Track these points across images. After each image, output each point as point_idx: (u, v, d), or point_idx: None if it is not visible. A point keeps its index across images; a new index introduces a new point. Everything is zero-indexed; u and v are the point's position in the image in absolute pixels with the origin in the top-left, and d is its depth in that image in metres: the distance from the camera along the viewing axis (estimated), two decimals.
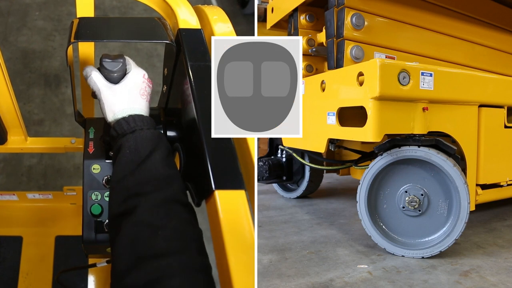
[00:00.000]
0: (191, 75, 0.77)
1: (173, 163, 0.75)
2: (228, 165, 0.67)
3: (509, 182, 1.93)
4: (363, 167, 1.86)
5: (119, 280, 0.59)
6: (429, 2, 2.07)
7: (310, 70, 2.21)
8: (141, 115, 0.79)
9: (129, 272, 0.59)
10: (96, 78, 0.82)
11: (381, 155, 1.60)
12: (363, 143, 2.22)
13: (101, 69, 0.84)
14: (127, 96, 0.80)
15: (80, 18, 0.90)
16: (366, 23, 1.85)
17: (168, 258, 0.59)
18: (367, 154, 2.10)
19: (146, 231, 0.63)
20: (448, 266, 1.52)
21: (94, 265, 1.05)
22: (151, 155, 0.72)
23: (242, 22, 3.88)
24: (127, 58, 0.87)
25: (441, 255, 1.60)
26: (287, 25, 2.37)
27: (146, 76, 0.85)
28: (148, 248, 0.61)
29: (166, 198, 0.67)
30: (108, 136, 0.80)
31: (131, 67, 0.84)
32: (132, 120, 0.77)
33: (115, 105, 0.79)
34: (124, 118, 0.77)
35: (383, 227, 1.67)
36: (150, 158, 0.71)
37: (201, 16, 0.92)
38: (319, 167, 2.32)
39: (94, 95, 0.84)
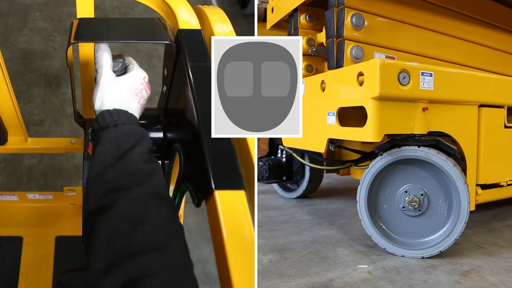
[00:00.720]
0: (191, 76, 0.77)
1: (155, 159, 0.73)
2: (228, 165, 0.67)
3: (509, 182, 1.93)
4: (363, 167, 1.86)
5: (96, 281, 0.55)
6: (429, 2, 2.07)
7: (310, 70, 2.21)
8: (126, 111, 0.77)
9: (107, 272, 0.55)
10: (106, 60, 0.80)
11: (381, 155, 1.60)
12: (363, 143, 2.22)
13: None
14: (121, 89, 0.79)
15: (80, 19, 0.90)
16: (366, 23, 1.85)
17: (148, 255, 0.56)
18: (367, 154, 2.10)
19: (124, 227, 0.59)
20: (448, 266, 1.52)
21: None
22: (132, 149, 0.70)
23: (242, 23, 3.88)
24: (130, 58, 0.87)
25: (441, 255, 1.60)
26: (287, 25, 2.37)
27: (147, 79, 0.84)
28: (126, 245, 0.57)
29: (146, 192, 0.64)
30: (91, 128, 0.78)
31: (133, 67, 0.84)
32: (116, 114, 0.76)
33: (107, 94, 0.78)
34: (108, 111, 0.76)
35: (383, 227, 1.67)
36: (130, 152, 0.69)
37: (201, 16, 0.92)
38: (319, 167, 2.32)
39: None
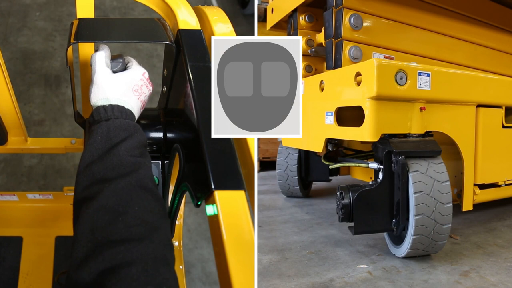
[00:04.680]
0: (191, 76, 0.77)
1: (145, 154, 0.73)
2: (228, 165, 0.67)
3: (507, 182, 1.93)
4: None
5: (75, 269, 0.56)
6: (428, 3, 2.07)
7: (310, 70, 2.22)
8: (122, 107, 0.78)
9: (85, 260, 0.56)
10: (98, 58, 0.80)
11: (434, 157, 1.51)
12: (362, 142, 2.23)
13: None
14: (118, 87, 0.79)
15: (80, 19, 0.90)
16: (364, 23, 1.85)
17: (127, 245, 0.56)
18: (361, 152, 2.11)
19: (106, 217, 0.60)
20: (448, 266, 1.52)
21: None
22: (121, 143, 0.70)
23: (242, 23, 3.88)
24: (129, 57, 0.87)
25: (441, 255, 1.60)
26: (286, 25, 2.38)
27: (147, 75, 0.84)
28: (106, 234, 0.58)
29: (130, 184, 0.65)
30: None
31: (132, 64, 0.84)
32: (110, 109, 0.76)
33: (102, 91, 0.78)
34: (103, 106, 0.76)
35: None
36: (119, 145, 0.70)
37: (201, 16, 0.93)
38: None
39: None
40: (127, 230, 0.58)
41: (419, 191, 1.44)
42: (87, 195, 0.65)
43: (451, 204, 1.47)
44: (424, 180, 1.46)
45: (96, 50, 0.83)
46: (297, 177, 2.60)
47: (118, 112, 0.76)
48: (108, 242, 0.57)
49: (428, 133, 1.65)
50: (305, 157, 2.59)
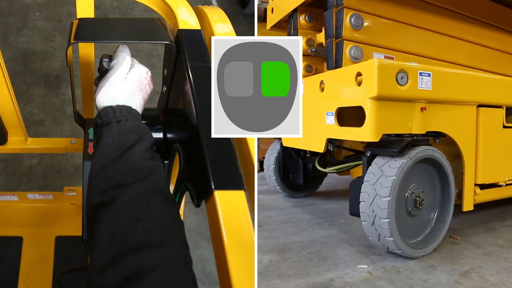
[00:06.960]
0: (190, 76, 0.77)
1: (156, 155, 0.74)
2: (228, 165, 0.67)
3: (507, 182, 1.93)
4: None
5: (98, 275, 0.57)
6: (428, 3, 2.07)
7: (310, 70, 2.21)
8: (129, 107, 0.78)
9: (108, 266, 0.57)
10: (127, 63, 0.81)
11: (396, 156, 1.51)
12: (362, 143, 2.23)
13: (100, 68, 0.84)
14: (128, 87, 0.80)
15: (80, 19, 0.90)
16: (365, 23, 1.85)
17: (149, 250, 0.57)
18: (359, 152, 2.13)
19: (125, 223, 0.61)
20: (448, 266, 1.52)
21: None
22: (134, 146, 0.71)
23: (242, 23, 3.88)
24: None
25: (441, 255, 1.60)
26: (287, 25, 2.38)
27: (149, 74, 0.85)
28: (127, 240, 0.59)
29: (147, 188, 0.65)
30: (93, 124, 0.79)
31: (134, 63, 0.85)
32: (119, 110, 0.76)
33: (113, 91, 0.78)
34: (111, 107, 0.76)
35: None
36: (133, 148, 0.70)
37: (201, 16, 0.93)
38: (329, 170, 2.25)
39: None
40: (147, 235, 0.59)
41: (366, 181, 1.57)
42: (103, 200, 0.65)
43: (388, 199, 1.46)
44: (375, 172, 1.55)
45: (122, 50, 0.83)
46: (275, 177, 2.62)
47: (126, 113, 0.76)
48: (130, 248, 0.58)
49: (439, 134, 1.69)
50: (283, 158, 2.58)
